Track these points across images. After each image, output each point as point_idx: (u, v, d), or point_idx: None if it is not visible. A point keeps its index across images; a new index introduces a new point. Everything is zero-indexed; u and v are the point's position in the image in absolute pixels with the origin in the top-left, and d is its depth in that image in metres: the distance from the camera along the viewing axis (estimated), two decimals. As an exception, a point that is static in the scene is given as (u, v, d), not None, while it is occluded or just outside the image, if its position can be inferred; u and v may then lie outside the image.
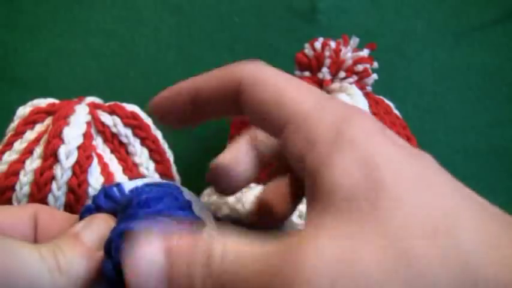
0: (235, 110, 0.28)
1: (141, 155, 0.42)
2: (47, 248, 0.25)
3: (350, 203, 0.20)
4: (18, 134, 0.41)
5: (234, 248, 0.22)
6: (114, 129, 0.42)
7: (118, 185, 0.29)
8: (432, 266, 0.19)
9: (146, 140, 0.42)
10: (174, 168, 0.45)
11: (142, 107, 0.44)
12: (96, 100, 0.44)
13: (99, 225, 0.27)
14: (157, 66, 0.60)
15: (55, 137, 0.39)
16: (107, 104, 0.43)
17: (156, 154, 0.43)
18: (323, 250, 0.20)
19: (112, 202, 0.28)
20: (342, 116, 0.24)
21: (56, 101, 0.43)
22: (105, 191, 0.28)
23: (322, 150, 0.22)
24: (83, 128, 0.40)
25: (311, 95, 0.26)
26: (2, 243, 0.24)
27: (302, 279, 0.19)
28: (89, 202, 0.29)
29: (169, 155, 0.45)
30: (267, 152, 0.30)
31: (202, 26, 0.60)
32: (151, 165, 0.43)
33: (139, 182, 0.29)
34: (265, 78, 0.27)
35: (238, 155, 0.31)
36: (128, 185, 0.29)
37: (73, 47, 0.59)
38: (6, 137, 0.42)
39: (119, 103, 0.43)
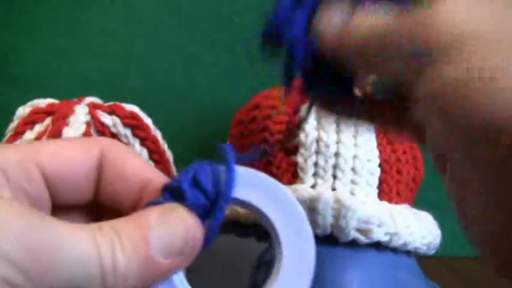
0: None
1: (140, 155, 0.42)
2: (103, 236, 0.20)
3: None
4: (18, 134, 0.41)
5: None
6: (113, 130, 0.42)
7: (215, 168, 0.23)
8: None
9: (146, 140, 0.42)
10: (173, 169, 0.45)
11: (142, 107, 0.44)
12: (96, 100, 0.44)
13: (175, 225, 0.21)
14: (157, 66, 0.60)
15: (55, 137, 0.39)
16: (107, 104, 0.43)
17: (155, 154, 0.43)
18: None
19: (201, 193, 0.22)
20: None
21: (56, 101, 0.43)
22: (195, 175, 0.23)
23: None
24: (83, 128, 0.40)
25: None
26: (39, 227, 0.19)
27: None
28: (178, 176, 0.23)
29: (169, 155, 0.45)
30: None
31: (202, 26, 0.60)
32: (151, 165, 0.43)
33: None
34: None
35: None
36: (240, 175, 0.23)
37: (73, 47, 0.59)
38: (6, 137, 0.42)
39: (118, 103, 0.43)
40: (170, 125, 0.56)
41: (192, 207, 0.22)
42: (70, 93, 0.45)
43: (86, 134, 0.40)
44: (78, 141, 0.25)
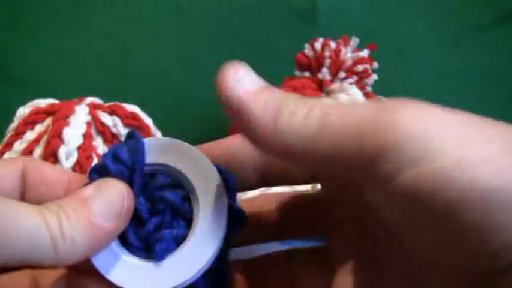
0: None
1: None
2: (50, 211, 0.23)
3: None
4: (18, 134, 0.41)
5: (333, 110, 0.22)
6: (114, 130, 0.42)
7: (128, 143, 0.26)
8: None
9: (146, 140, 0.42)
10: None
11: (142, 107, 0.44)
12: (96, 100, 0.44)
13: (110, 193, 0.25)
14: (157, 66, 0.60)
15: (55, 138, 0.39)
16: (107, 104, 0.43)
17: (156, 154, 0.43)
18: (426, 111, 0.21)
19: (121, 165, 0.26)
20: None
21: (56, 101, 0.43)
22: (114, 152, 0.26)
23: None
24: (83, 128, 0.40)
25: None
26: (2, 204, 0.22)
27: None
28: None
29: (169, 155, 0.44)
30: None
31: (202, 26, 0.60)
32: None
33: (154, 147, 0.26)
34: None
35: None
36: (151, 144, 0.27)
37: (73, 47, 0.59)
38: (6, 138, 0.42)
39: (118, 103, 0.43)
40: (170, 125, 0.56)
41: (118, 177, 0.25)
42: (70, 93, 0.45)
43: (87, 134, 0.40)
44: (2, 160, 0.29)
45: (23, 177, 0.27)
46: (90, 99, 0.44)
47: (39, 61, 0.59)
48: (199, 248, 0.26)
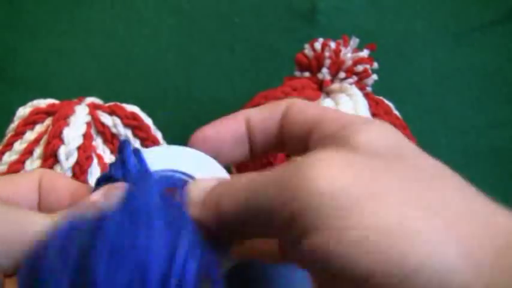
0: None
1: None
2: (62, 216, 0.25)
3: (373, 149, 0.22)
4: (18, 134, 0.41)
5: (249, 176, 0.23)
6: (114, 130, 0.42)
7: (137, 153, 0.28)
8: None
9: (146, 140, 0.42)
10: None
11: (142, 108, 0.44)
12: (96, 100, 0.44)
13: (119, 196, 0.26)
14: (157, 66, 0.60)
15: (55, 138, 0.39)
16: (107, 104, 0.43)
17: (156, 154, 0.43)
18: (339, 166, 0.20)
19: (127, 171, 0.27)
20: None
21: (56, 102, 0.43)
22: (122, 160, 0.28)
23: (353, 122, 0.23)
24: (83, 128, 0.40)
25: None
26: (15, 212, 0.24)
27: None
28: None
29: (169, 156, 0.44)
30: (261, 143, 0.28)
31: (202, 26, 0.60)
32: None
33: (160, 155, 0.28)
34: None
35: (224, 132, 0.28)
36: (149, 154, 0.28)
37: (73, 47, 0.59)
38: (6, 138, 0.42)
39: (118, 103, 0.43)
40: (170, 125, 0.56)
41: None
42: (70, 94, 0.45)
43: (87, 134, 0.40)
44: (21, 176, 0.31)
45: (39, 187, 0.29)
46: (90, 100, 0.44)
47: (39, 61, 0.59)
48: None
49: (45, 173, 0.29)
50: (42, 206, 0.29)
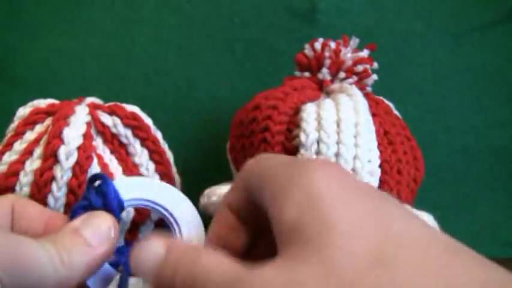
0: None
1: (141, 155, 0.42)
2: (48, 242, 0.27)
3: (296, 235, 0.22)
4: (18, 134, 0.41)
5: (214, 261, 0.24)
6: (114, 130, 0.42)
7: (107, 184, 0.31)
8: None
9: (146, 140, 0.42)
10: (174, 169, 0.45)
11: (142, 108, 0.44)
12: (96, 100, 0.44)
13: (98, 222, 0.29)
14: (157, 66, 0.60)
15: (55, 138, 0.39)
16: (107, 104, 0.43)
17: (156, 155, 0.43)
18: (269, 280, 0.21)
19: (103, 200, 0.30)
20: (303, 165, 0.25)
21: (56, 102, 0.43)
22: (98, 189, 0.30)
23: (275, 191, 0.24)
24: (83, 128, 0.40)
25: None
26: (14, 238, 0.26)
27: None
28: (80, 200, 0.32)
29: (169, 156, 0.45)
30: (250, 216, 0.29)
31: (202, 26, 0.60)
32: (151, 165, 0.43)
33: (133, 186, 0.32)
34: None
35: (220, 231, 0.29)
36: (121, 184, 0.31)
37: (73, 47, 0.59)
38: (6, 138, 0.41)
39: (118, 103, 0.43)
40: (170, 125, 0.56)
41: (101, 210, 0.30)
42: (70, 94, 0.45)
43: (87, 134, 0.40)
44: None
45: (12, 213, 0.31)
46: (90, 100, 0.44)
47: (39, 61, 0.59)
48: None
49: (17, 200, 0.32)
50: (14, 231, 0.31)
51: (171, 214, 0.32)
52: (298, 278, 0.20)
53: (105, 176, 0.31)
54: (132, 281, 0.31)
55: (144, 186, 0.33)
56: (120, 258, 0.32)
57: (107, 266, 0.30)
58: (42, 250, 0.26)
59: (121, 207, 0.31)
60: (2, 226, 0.30)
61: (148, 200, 0.32)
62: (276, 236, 0.23)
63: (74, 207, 0.30)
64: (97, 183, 0.31)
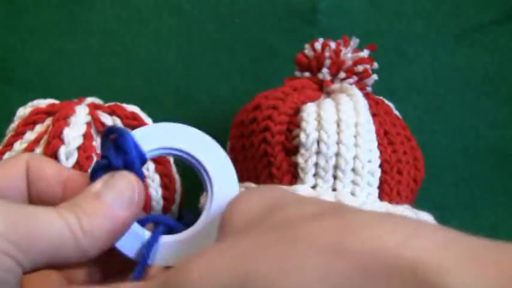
0: None
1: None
2: (67, 209, 0.25)
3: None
4: (18, 134, 0.41)
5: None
6: (114, 130, 0.42)
7: (125, 138, 0.28)
8: None
9: (146, 140, 0.42)
10: (174, 169, 0.45)
11: (142, 107, 0.44)
12: (96, 100, 0.44)
13: (119, 184, 0.27)
14: (157, 66, 0.60)
15: (55, 138, 0.39)
16: (107, 104, 0.43)
17: (156, 154, 0.43)
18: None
19: (124, 156, 0.28)
20: None
21: (56, 102, 0.43)
22: (117, 144, 0.28)
23: None
24: (83, 128, 0.40)
25: None
26: (20, 208, 0.24)
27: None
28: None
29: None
30: None
31: (202, 26, 0.60)
32: (151, 165, 0.43)
33: (152, 133, 0.29)
34: None
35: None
36: (141, 133, 0.29)
37: (73, 47, 0.59)
38: (6, 138, 0.42)
39: (119, 103, 0.43)
40: (170, 125, 0.56)
41: (123, 169, 0.27)
42: (70, 94, 0.45)
43: (87, 134, 0.40)
44: (8, 160, 0.32)
45: (27, 174, 0.29)
46: (90, 100, 0.44)
47: (39, 61, 0.59)
48: (217, 216, 0.27)
49: (32, 159, 0.29)
50: (31, 194, 0.29)
51: (201, 164, 0.29)
52: (245, 246, 0.21)
53: (121, 129, 0.28)
54: (165, 239, 0.29)
55: (168, 134, 0.29)
56: (148, 217, 0.30)
57: (135, 225, 0.28)
58: (61, 220, 0.24)
59: (143, 161, 0.28)
60: (17, 191, 0.28)
61: (174, 149, 0.29)
62: None
63: (94, 167, 0.28)
64: (113, 137, 0.28)
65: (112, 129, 0.28)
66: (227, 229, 0.24)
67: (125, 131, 0.28)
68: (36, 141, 0.40)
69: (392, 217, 0.20)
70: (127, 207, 0.26)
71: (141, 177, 0.28)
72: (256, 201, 0.24)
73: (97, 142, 0.41)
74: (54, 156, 0.38)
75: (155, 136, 0.29)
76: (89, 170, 0.28)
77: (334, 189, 0.39)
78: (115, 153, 0.27)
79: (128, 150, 0.27)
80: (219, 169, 0.29)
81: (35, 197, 0.29)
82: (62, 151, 0.38)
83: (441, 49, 0.60)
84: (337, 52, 0.46)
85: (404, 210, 0.40)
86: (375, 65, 0.47)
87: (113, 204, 0.26)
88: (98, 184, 0.27)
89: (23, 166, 0.29)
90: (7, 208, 0.24)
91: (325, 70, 0.46)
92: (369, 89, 0.47)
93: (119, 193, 0.26)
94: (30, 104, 0.43)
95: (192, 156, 0.29)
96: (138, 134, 0.28)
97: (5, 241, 0.23)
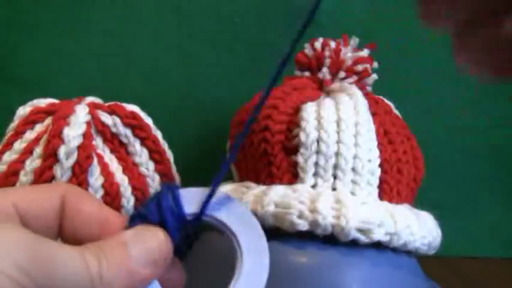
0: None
1: (141, 155, 0.42)
2: (91, 252, 0.24)
3: None
4: (18, 134, 0.41)
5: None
6: (114, 129, 0.42)
7: (170, 193, 0.27)
8: None
9: (146, 140, 0.42)
10: (174, 168, 0.45)
11: (142, 107, 0.44)
12: (96, 100, 0.44)
13: (149, 240, 0.26)
14: (157, 66, 0.60)
15: (55, 137, 0.39)
16: (107, 104, 0.43)
17: (156, 154, 0.43)
18: None
19: (162, 213, 0.27)
20: None
21: (56, 101, 0.43)
22: (158, 200, 0.27)
23: None
24: (83, 128, 0.40)
25: None
26: (43, 243, 0.23)
27: None
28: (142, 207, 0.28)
29: (169, 155, 0.45)
30: None
31: (202, 26, 0.60)
32: (151, 165, 0.43)
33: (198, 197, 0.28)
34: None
35: None
36: (188, 195, 0.28)
37: (73, 47, 0.59)
38: (6, 137, 0.42)
39: (118, 103, 0.43)
40: (170, 125, 0.56)
41: (161, 226, 0.26)
42: (70, 93, 0.45)
43: (87, 133, 0.40)
44: (45, 185, 0.31)
45: (62, 206, 0.27)
46: (90, 99, 0.44)
47: (39, 61, 0.59)
48: None
49: (70, 191, 0.28)
50: (65, 229, 0.27)
51: (237, 240, 0.28)
52: None
53: (171, 186, 0.28)
54: None
55: (216, 202, 0.28)
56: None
57: (155, 283, 0.27)
58: (82, 263, 0.23)
59: (181, 222, 0.27)
60: (47, 221, 0.27)
61: (216, 219, 0.28)
62: None
63: (133, 214, 0.27)
64: (157, 192, 0.28)
65: (167, 186, 0.28)
66: None
67: (172, 188, 0.27)
68: (36, 141, 0.40)
69: None
70: (151, 266, 0.25)
71: (174, 237, 0.27)
72: None
73: (97, 141, 0.41)
74: (54, 155, 0.38)
75: (201, 200, 0.28)
76: (129, 216, 0.28)
77: (334, 189, 0.39)
78: (156, 207, 0.27)
79: (164, 206, 0.27)
80: (253, 250, 0.28)
81: (69, 232, 0.28)
82: (62, 150, 0.38)
83: (441, 49, 0.60)
84: (337, 51, 0.46)
85: (404, 209, 0.40)
86: (375, 64, 0.47)
87: (137, 259, 0.25)
88: (129, 234, 0.26)
89: (58, 197, 0.27)
90: (32, 241, 0.23)
91: (325, 69, 0.46)
92: (368, 88, 0.47)
93: (146, 250, 0.25)
94: (30, 103, 0.43)
95: (233, 234, 0.28)
96: (186, 195, 0.28)
97: (24, 275, 0.22)
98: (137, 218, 0.27)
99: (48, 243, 0.23)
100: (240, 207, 0.28)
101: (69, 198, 0.27)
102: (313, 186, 0.39)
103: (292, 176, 0.40)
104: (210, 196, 0.28)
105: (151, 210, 0.27)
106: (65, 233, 0.27)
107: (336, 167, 0.39)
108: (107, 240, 0.25)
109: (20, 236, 0.23)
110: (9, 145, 0.41)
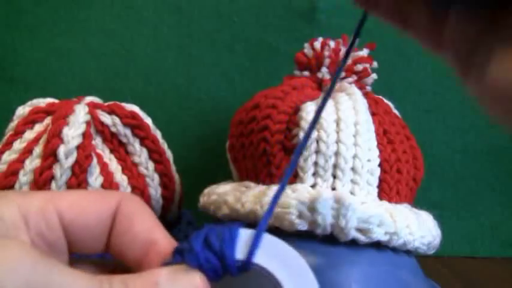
0: None
1: (140, 154, 0.42)
2: (113, 286, 0.22)
3: None
4: (18, 133, 0.41)
5: None
6: (113, 129, 0.42)
7: (231, 235, 0.25)
8: None
9: (146, 139, 0.42)
10: (173, 168, 0.45)
11: (142, 107, 0.44)
12: (96, 100, 0.44)
13: (183, 284, 0.23)
14: (157, 66, 0.60)
15: (54, 137, 0.39)
16: (106, 103, 0.43)
17: (155, 154, 0.43)
18: None
19: (208, 253, 0.24)
20: None
21: (56, 101, 0.43)
22: (205, 238, 0.24)
23: None
24: (82, 127, 0.40)
25: None
26: (41, 268, 0.21)
27: None
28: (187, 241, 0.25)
29: (169, 155, 0.45)
30: None
31: (202, 26, 0.60)
32: (151, 165, 0.43)
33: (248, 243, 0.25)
34: None
35: None
36: (245, 237, 0.25)
37: (72, 47, 0.59)
38: (6, 137, 0.41)
39: (118, 103, 0.43)
40: (170, 125, 0.56)
41: (202, 268, 0.24)
42: (70, 93, 0.45)
43: (86, 133, 0.40)
44: (98, 193, 0.28)
45: (112, 221, 0.25)
46: (89, 99, 0.44)
47: (39, 61, 0.59)
48: None
49: (127, 202, 0.25)
50: (112, 241, 0.25)
51: None
52: None
53: (226, 227, 0.25)
54: None
55: (266, 248, 0.25)
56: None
57: None
58: None
59: (225, 272, 0.24)
60: (93, 230, 0.25)
61: (263, 269, 0.25)
62: None
63: (178, 247, 0.25)
64: (210, 228, 0.25)
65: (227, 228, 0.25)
66: None
67: (228, 229, 0.25)
68: (35, 140, 0.40)
69: None
70: None
71: (212, 282, 0.24)
72: None
73: (96, 141, 0.41)
74: (54, 155, 0.38)
75: (247, 243, 0.25)
76: (175, 247, 0.25)
77: (333, 188, 0.39)
78: (201, 246, 0.24)
79: (212, 249, 0.24)
80: None
81: (116, 249, 0.25)
82: (61, 150, 0.38)
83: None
84: (336, 51, 0.46)
85: (404, 209, 0.40)
86: (375, 64, 0.47)
87: None
88: (163, 273, 0.23)
89: (110, 211, 0.25)
90: (32, 267, 0.20)
91: (324, 69, 0.46)
92: (368, 88, 0.47)
93: None
94: (29, 103, 0.43)
95: (280, 285, 0.25)
96: (244, 237, 0.25)
97: None
98: (180, 253, 0.24)
99: (57, 270, 0.21)
100: (290, 253, 0.26)
101: (122, 211, 0.25)
102: (313, 186, 0.39)
103: (292, 176, 0.40)
104: (256, 240, 0.25)
105: (197, 250, 0.24)
106: (112, 247, 0.26)
107: (335, 166, 0.39)
108: (137, 276, 0.23)
109: (22, 262, 0.21)
110: (8, 145, 0.41)
